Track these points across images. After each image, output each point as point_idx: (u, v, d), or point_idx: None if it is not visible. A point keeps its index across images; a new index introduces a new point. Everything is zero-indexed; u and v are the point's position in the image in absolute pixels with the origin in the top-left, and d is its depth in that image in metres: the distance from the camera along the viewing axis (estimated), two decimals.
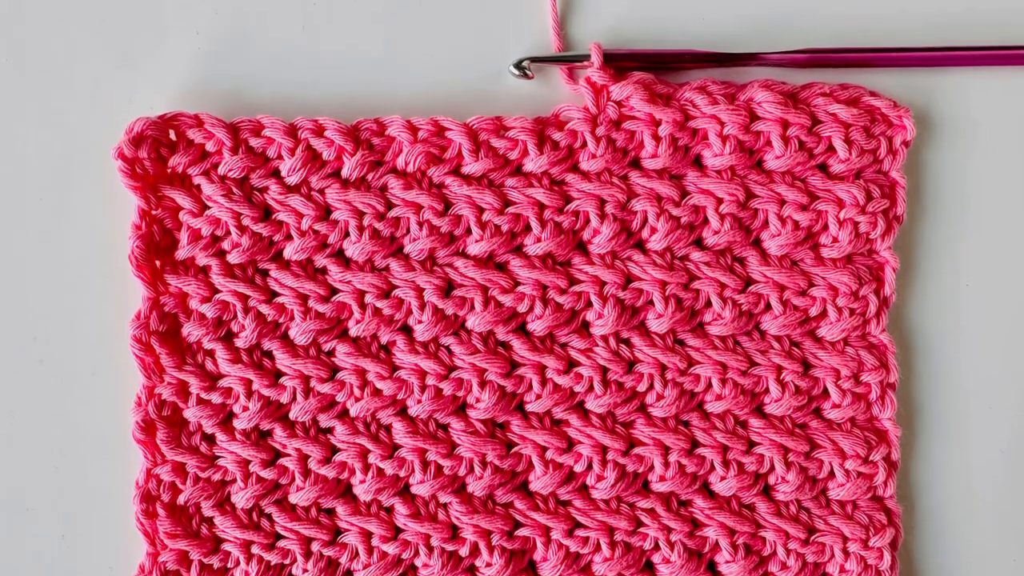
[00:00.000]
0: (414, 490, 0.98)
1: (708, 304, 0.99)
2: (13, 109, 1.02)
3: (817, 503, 0.99)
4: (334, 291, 0.98)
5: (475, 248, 0.98)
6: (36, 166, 1.02)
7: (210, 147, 0.97)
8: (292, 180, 0.97)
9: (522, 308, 0.98)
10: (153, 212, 0.97)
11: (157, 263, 0.98)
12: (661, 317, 0.98)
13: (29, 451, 1.02)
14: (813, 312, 0.99)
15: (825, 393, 0.99)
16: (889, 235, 0.99)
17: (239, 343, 0.98)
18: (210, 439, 0.98)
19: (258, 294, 0.97)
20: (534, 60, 1.00)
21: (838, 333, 0.99)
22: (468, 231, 0.98)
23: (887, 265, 0.99)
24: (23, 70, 1.02)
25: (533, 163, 0.98)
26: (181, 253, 0.97)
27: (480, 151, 0.97)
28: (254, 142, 0.97)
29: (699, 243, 0.99)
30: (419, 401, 0.98)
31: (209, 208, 0.97)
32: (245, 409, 0.97)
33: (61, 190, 1.02)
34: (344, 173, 0.98)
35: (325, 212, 0.98)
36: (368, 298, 0.97)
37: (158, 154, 0.97)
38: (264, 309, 0.97)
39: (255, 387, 0.97)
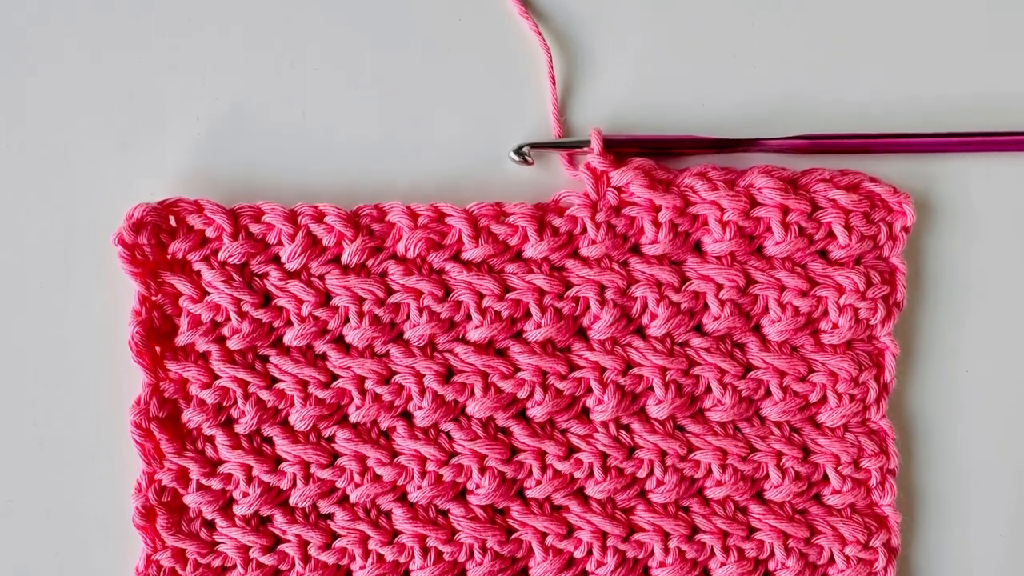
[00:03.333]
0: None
1: (708, 390, 0.99)
2: (14, 194, 1.02)
3: None
4: (334, 377, 0.98)
5: (475, 334, 0.98)
6: (36, 251, 1.02)
7: (210, 233, 0.97)
8: (292, 266, 0.97)
9: (522, 394, 0.98)
10: (153, 298, 0.97)
11: (157, 349, 0.98)
12: (661, 403, 0.98)
13: (29, 536, 1.01)
14: (813, 398, 0.99)
15: (825, 479, 0.99)
16: (889, 321, 0.99)
17: (239, 429, 0.98)
18: (210, 525, 0.98)
19: (258, 380, 0.97)
20: (534, 146, 1.00)
21: (838, 419, 0.99)
22: (468, 317, 0.98)
23: (887, 351, 0.99)
24: (24, 155, 1.02)
25: (533, 249, 0.98)
26: (181, 339, 0.97)
27: (480, 237, 0.97)
28: (254, 228, 0.97)
29: (699, 329, 0.99)
30: (419, 487, 0.97)
31: (209, 294, 0.97)
32: (245, 495, 0.97)
33: (61, 275, 1.02)
34: (344, 259, 0.98)
35: (325, 298, 0.98)
36: (368, 384, 0.97)
37: (158, 240, 0.97)
38: (264, 395, 0.97)
39: (255, 473, 0.97)
